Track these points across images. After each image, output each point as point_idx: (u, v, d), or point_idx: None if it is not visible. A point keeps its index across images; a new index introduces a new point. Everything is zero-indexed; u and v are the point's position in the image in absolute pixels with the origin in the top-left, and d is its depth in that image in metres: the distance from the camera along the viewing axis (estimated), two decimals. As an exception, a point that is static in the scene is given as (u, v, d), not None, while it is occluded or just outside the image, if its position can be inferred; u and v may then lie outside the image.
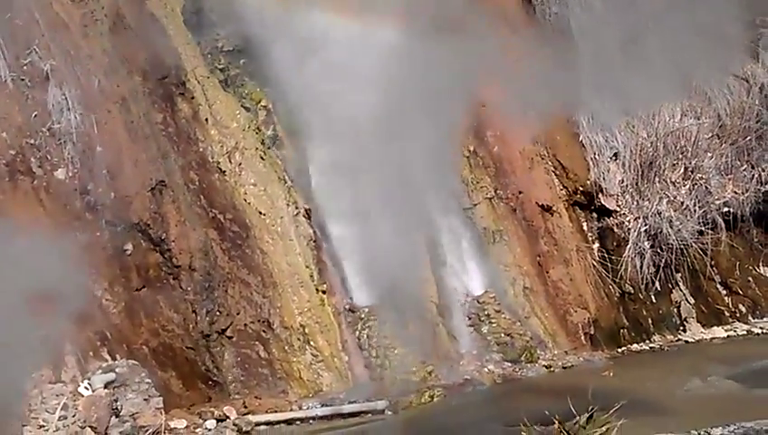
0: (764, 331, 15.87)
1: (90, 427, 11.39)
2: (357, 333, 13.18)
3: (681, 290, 16.02)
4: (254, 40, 13.86)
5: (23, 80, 11.66)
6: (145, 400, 11.78)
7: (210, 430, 11.83)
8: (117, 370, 11.81)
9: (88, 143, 11.90)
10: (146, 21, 12.89)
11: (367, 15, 13.71)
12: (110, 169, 11.91)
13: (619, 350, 14.86)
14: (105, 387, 11.63)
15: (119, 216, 11.86)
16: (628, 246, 15.15)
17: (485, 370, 13.49)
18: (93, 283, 11.66)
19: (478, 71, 14.22)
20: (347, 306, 13.37)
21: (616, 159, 15.39)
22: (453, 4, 14.52)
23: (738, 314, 16.23)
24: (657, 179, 15.13)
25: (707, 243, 15.75)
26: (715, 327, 15.87)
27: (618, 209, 15.11)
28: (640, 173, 15.14)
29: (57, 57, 11.98)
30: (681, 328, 15.64)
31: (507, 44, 14.82)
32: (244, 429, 11.81)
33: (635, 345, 15.10)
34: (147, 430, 11.55)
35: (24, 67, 11.71)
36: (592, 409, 7.83)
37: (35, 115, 11.63)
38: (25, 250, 10.70)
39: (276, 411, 12.21)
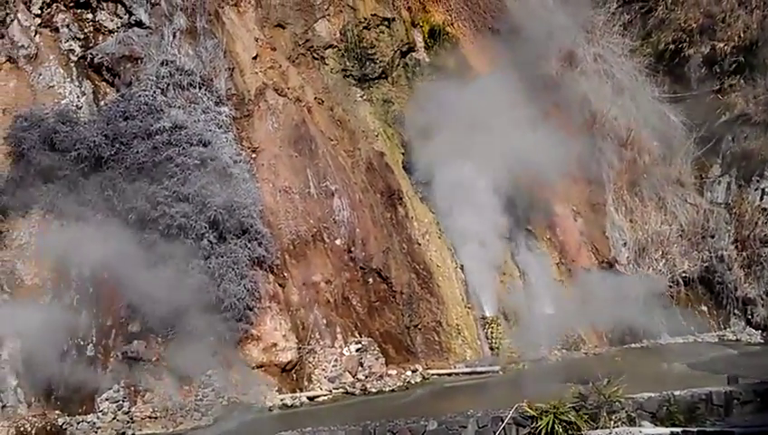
0: (724, 338, 20.82)
1: (347, 371, 16.32)
2: (485, 330, 18.67)
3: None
4: (429, 182, 20.10)
5: (321, 194, 18.03)
6: (376, 359, 16.71)
7: (409, 375, 16.81)
8: (362, 342, 16.91)
9: (352, 227, 17.97)
10: (383, 166, 19.36)
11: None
12: (363, 240, 17.95)
13: (623, 346, 20.08)
14: (356, 351, 16.58)
15: (366, 264, 17.80)
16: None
17: (553, 353, 18.90)
18: (353, 298, 17.36)
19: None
20: (480, 316, 18.82)
21: (625, 246, 21.52)
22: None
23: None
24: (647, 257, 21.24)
25: (673, 292, 21.35)
26: (677, 337, 21.03)
27: (626, 272, 21.11)
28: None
29: (339, 183, 18.40)
30: (659, 337, 20.94)
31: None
32: (425, 376, 16.74)
33: (633, 344, 20.32)
34: (376, 374, 16.32)
35: (322, 187, 18.14)
36: (609, 376, 12.38)
37: (327, 211, 17.98)
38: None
39: (442, 368, 17.35)
